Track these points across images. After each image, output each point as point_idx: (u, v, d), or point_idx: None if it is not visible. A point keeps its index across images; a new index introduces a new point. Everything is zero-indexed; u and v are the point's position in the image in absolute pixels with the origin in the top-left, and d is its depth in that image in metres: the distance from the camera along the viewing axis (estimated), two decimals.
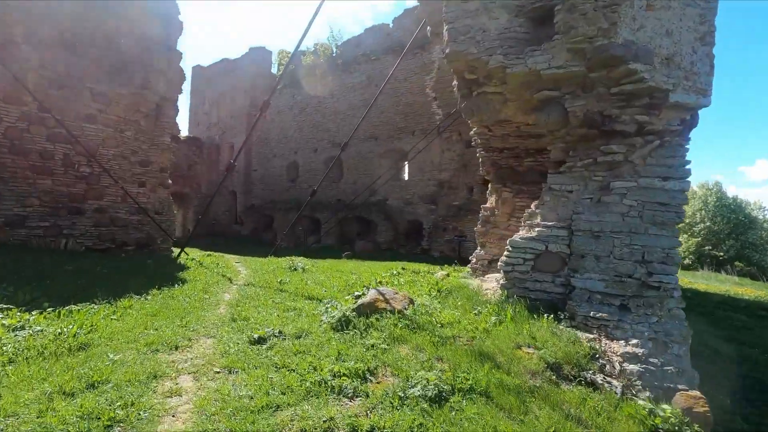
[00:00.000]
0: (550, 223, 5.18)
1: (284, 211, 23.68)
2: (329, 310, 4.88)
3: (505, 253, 5.22)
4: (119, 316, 4.89)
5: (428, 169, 18.77)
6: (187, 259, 10.75)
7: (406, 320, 4.43)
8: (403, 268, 8.65)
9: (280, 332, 4.35)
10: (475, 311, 4.92)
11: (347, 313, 4.47)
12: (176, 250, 11.85)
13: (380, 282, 6.87)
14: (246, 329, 4.51)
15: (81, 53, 10.24)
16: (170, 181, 12.92)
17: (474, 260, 7.88)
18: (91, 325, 4.42)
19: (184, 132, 28.67)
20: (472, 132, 7.21)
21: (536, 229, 5.16)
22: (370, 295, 4.57)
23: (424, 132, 18.99)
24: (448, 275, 7.34)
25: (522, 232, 5.25)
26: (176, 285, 6.67)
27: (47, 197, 9.82)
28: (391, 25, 21.09)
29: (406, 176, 20.62)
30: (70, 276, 6.64)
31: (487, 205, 7.79)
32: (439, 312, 4.77)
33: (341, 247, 20.06)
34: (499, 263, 5.56)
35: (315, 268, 9.93)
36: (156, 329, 4.43)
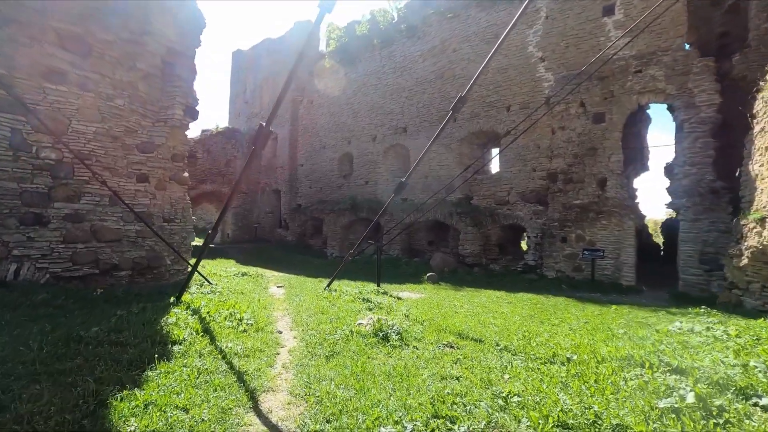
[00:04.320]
0: None
1: (336, 213, 19.60)
2: None
3: None
4: None
5: (531, 157, 13.81)
6: (195, 298, 6.70)
7: None
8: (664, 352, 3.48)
9: None
10: None
11: None
12: (196, 271, 7.89)
13: None
14: None
15: None
16: (187, 174, 9.05)
17: None
18: None
19: (223, 124, 25.55)
20: None
21: None
22: None
23: (524, 106, 14.10)
24: None
25: None
26: None
27: None
28: None
29: (495, 167, 15.77)
30: None
31: None
32: None
33: (410, 261, 15.61)
34: None
35: (415, 327, 5.50)
36: None
